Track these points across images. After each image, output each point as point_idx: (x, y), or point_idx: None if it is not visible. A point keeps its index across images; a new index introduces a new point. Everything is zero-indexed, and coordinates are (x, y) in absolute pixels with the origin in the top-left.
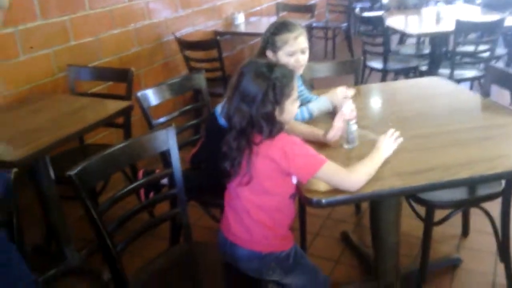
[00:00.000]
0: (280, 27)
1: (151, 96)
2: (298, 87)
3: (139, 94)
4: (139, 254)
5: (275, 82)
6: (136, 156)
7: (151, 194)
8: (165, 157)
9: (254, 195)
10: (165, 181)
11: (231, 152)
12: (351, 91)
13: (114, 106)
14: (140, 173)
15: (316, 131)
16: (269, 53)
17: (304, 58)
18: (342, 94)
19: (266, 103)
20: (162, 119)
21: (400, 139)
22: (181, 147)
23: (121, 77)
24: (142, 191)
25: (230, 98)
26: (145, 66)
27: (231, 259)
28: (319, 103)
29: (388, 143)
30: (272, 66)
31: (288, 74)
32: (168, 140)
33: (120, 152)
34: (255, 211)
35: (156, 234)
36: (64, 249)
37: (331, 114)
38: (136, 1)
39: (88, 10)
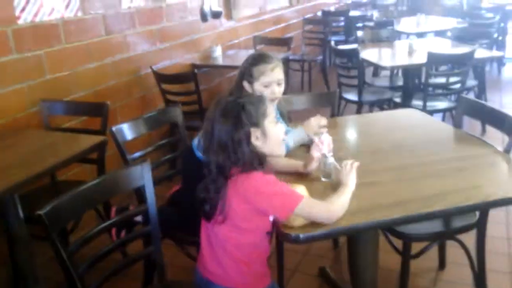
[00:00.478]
0: (258, 58)
1: (126, 131)
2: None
3: (113, 128)
4: None
5: (245, 104)
6: (110, 193)
7: (123, 233)
8: (139, 193)
9: (230, 232)
10: (139, 218)
11: (209, 195)
12: (324, 120)
13: (88, 141)
14: (113, 211)
15: (295, 163)
16: (246, 84)
17: (279, 90)
18: (317, 123)
19: (239, 126)
20: (137, 154)
21: (357, 163)
22: (157, 182)
23: (96, 111)
24: (113, 230)
25: (206, 140)
26: (121, 100)
27: None
28: (294, 135)
29: (348, 175)
30: (239, 97)
31: (257, 97)
32: (143, 175)
33: (93, 190)
34: (231, 247)
35: (130, 274)
36: None
37: (306, 146)
38: (114, 35)
39: (64, 44)
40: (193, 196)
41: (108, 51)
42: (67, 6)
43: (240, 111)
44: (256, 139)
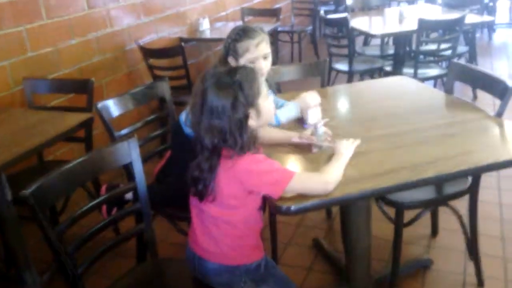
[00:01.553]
0: (241, 34)
1: (113, 107)
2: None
3: (99, 105)
4: (105, 274)
5: (241, 82)
6: (97, 170)
7: (114, 210)
8: (128, 170)
9: (220, 210)
10: (129, 195)
11: (203, 174)
12: (318, 97)
13: (73, 119)
14: (103, 188)
15: (287, 133)
16: (231, 60)
17: (266, 64)
18: (313, 101)
19: (238, 108)
20: (125, 131)
21: (358, 141)
22: (147, 159)
23: (81, 89)
24: (104, 208)
25: (196, 114)
26: (107, 76)
27: (200, 273)
28: (288, 111)
29: (346, 145)
30: (233, 71)
31: (250, 71)
32: (130, 152)
33: (80, 167)
34: (223, 224)
35: (122, 252)
36: (24, 273)
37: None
38: (97, 9)
39: (46, 20)
40: (181, 171)
41: (91, 26)
42: None
43: (237, 91)
44: (251, 119)
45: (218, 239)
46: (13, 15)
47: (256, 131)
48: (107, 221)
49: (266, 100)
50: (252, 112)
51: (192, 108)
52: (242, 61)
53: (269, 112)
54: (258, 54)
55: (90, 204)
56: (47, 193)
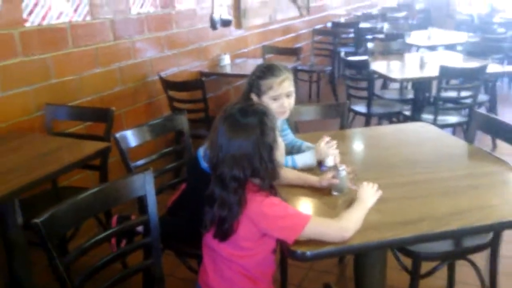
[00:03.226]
0: (266, 71)
1: (130, 137)
2: (283, 129)
3: (117, 135)
4: None
5: (265, 111)
6: (111, 202)
7: (123, 242)
8: (141, 202)
9: (232, 251)
10: (140, 228)
11: (232, 210)
12: (334, 144)
13: (91, 147)
14: (114, 220)
15: (306, 175)
16: (254, 97)
17: (289, 102)
18: (327, 147)
19: (267, 132)
20: (141, 161)
21: (380, 192)
22: (160, 191)
23: (101, 117)
24: (113, 240)
25: (215, 148)
26: (127, 106)
27: None
28: (305, 158)
29: (370, 193)
30: (250, 104)
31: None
32: (145, 185)
33: (93, 198)
34: (236, 264)
35: (129, 285)
36: None
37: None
38: (122, 40)
39: (71, 48)
40: (196, 205)
41: (115, 57)
42: (75, 10)
43: (264, 118)
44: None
45: (230, 279)
46: (41, 42)
47: (279, 164)
48: (116, 254)
49: (279, 138)
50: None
51: (211, 144)
52: (265, 98)
53: (282, 150)
54: (281, 92)
55: (100, 236)
56: (58, 223)
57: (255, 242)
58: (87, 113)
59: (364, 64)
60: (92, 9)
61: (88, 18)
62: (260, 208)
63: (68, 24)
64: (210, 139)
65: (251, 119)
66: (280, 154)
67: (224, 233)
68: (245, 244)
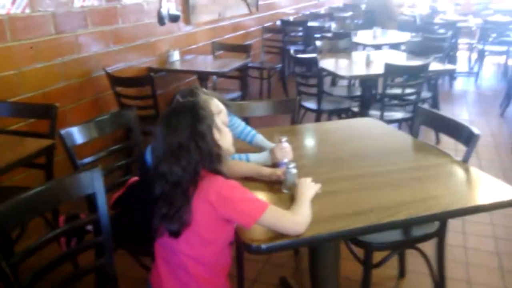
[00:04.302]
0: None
1: (77, 134)
2: (230, 120)
3: (62, 131)
4: None
5: (198, 101)
6: (57, 200)
7: (73, 241)
8: (90, 200)
9: (190, 248)
10: (89, 226)
11: (174, 207)
12: (288, 146)
13: (34, 144)
14: (61, 220)
15: (258, 167)
16: None
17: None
18: (281, 151)
19: (201, 119)
20: (88, 159)
21: (319, 185)
22: (110, 189)
23: (44, 114)
24: (62, 239)
25: (158, 142)
26: (72, 102)
27: None
28: (258, 157)
29: (308, 185)
30: (188, 95)
31: (205, 96)
32: (93, 182)
33: (39, 196)
34: (193, 265)
35: (81, 286)
36: None
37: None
38: (65, 34)
39: (10, 42)
40: (142, 202)
41: (57, 51)
42: (13, 2)
43: (195, 105)
44: (215, 133)
45: (186, 282)
46: None
47: (223, 149)
48: (66, 253)
49: (226, 127)
50: (214, 128)
51: (152, 149)
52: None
53: (229, 135)
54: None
55: (48, 236)
56: (2, 222)
57: (214, 229)
58: (29, 109)
59: (313, 62)
60: (31, 1)
61: (27, 10)
62: (220, 191)
63: (5, 17)
64: (152, 145)
65: (182, 113)
66: (225, 140)
67: (174, 231)
68: (204, 234)
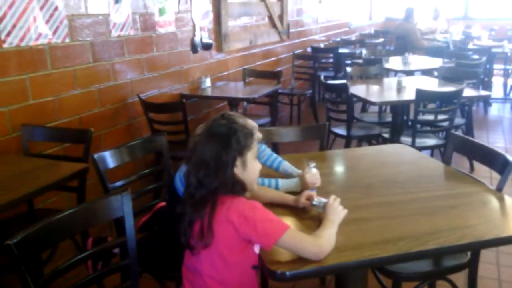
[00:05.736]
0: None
1: (109, 158)
2: (260, 147)
3: (95, 155)
4: None
5: (236, 130)
6: (87, 223)
7: (100, 264)
8: (118, 224)
9: (214, 269)
10: (116, 250)
11: (201, 211)
12: (317, 173)
13: (68, 168)
14: (89, 242)
15: (285, 195)
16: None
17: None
18: (311, 179)
19: (228, 149)
20: (119, 183)
21: (346, 210)
22: (139, 212)
23: (79, 138)
24: (89, 262)
25: (189, 167)
26: (106, 127)
27: None
28: (288, 184)
29: (337, 210)
30: (231, 120)
31: (248, 129)
32: (123, 206)
33: (69, 219)
34: (217, 287)
35: None
36: None
37: None
38: (101, 62)
39: (50, 69)
40: (169, 226)
41: (94, 78)
42: (54, 32)
43: (231, 134)
44: (236, 168)
45: None
46: (19, 63)
47: (243, 181)
48: (92, 276)
49: (255, 162)
50: (239, 161)
51: (185, 159)
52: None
53: (255, 172)
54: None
55: (76, 258)
56: (33, 244)
57: (238, 252)
58: (65, 134)
59: (344, 88)
60: (71, 32)
61: (67, 40)
62: (242, 211)
63: (47, 46)
64: (185, 160)
65: (216, 134)
66: (248, 177)
67: (205, 238)
68: (227, 255)
